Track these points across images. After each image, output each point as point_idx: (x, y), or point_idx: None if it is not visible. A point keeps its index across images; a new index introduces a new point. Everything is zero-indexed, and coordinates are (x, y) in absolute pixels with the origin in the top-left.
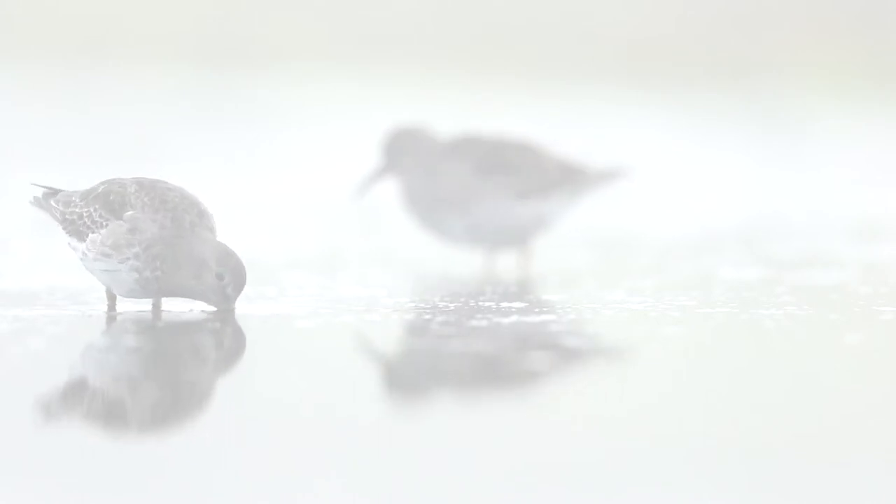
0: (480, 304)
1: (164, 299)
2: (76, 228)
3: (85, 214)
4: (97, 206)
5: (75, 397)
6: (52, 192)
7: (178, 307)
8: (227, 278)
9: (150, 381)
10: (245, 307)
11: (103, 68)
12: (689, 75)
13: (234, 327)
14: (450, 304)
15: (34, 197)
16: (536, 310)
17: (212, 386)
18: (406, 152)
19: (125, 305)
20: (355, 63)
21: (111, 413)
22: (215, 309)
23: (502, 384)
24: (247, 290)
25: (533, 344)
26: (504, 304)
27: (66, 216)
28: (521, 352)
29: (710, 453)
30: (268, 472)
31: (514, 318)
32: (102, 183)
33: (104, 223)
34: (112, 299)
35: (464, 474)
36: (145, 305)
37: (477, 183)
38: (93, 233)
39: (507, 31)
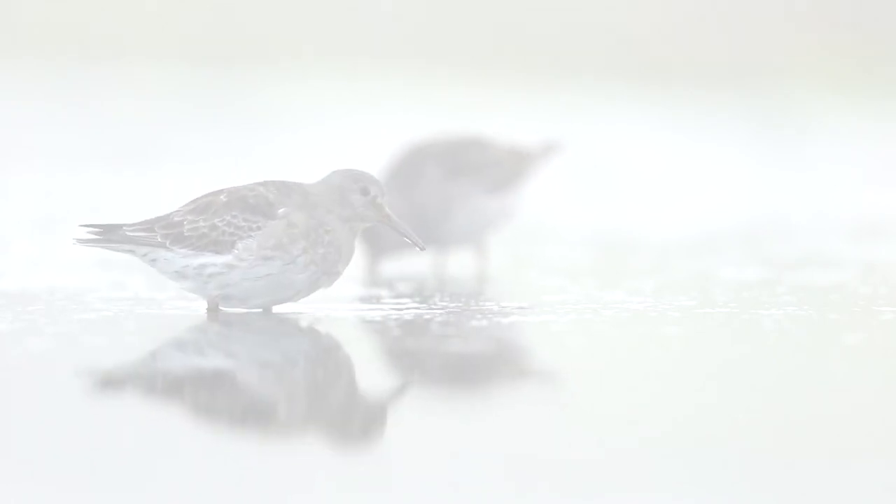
0: (480, 304)
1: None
2: (212, 240)
3: (221, 223)
4: (235, 213)
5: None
6: (112, 227)
7: (181, 306)
8: (372, 189)
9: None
10: (244, 307)
11: (103, 68)
12: (690, 75)
13: (234, 327)
14: (450, 304)
15: (88, 238)
16: (536, 310)
17: (215, 385)
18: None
19: (125, 306)
20: (354, 63)
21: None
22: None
23: (502, 384)
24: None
25: (533, 344)
26: (504, 304)
27: (186, 233)
28: (521, 352)
29: (709, 453)
30: (261, 474)
31: (514, 318)
32: (203, 198)
33: (255, 226)
34: (215, 309)
35: (463, 474)
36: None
37: (452, 187)
38: (242, 239)
39: (507, 31)
